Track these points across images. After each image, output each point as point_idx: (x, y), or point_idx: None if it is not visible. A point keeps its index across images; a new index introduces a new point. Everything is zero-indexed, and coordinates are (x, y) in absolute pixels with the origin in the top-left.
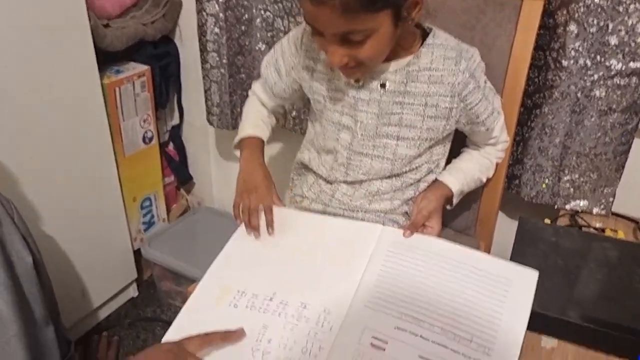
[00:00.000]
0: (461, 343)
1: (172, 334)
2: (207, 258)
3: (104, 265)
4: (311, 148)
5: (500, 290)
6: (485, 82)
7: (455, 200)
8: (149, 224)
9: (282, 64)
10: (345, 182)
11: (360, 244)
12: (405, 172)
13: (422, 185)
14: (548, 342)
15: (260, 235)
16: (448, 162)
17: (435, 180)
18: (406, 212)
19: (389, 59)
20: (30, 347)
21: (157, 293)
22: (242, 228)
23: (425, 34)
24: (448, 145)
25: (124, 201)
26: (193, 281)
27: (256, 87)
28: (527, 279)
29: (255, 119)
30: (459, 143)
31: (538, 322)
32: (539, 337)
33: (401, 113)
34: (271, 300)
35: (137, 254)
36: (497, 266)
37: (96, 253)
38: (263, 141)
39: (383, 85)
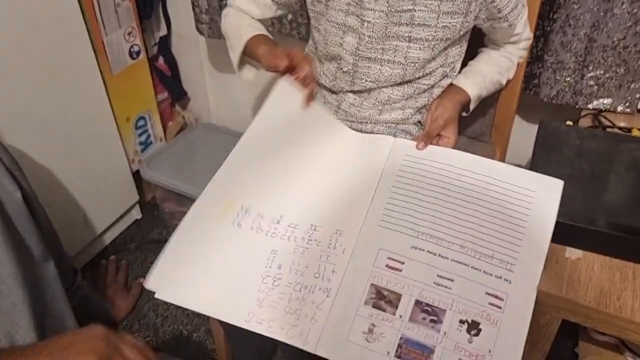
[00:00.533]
0: (482, 260)
1: (170, 251)
2: (209, 177)
3: (104, 190)
4: (315, 54)
5: (523, 202)
6: None
7: (472, 106)
8: (146, 144)
9: None
10: (351, 91)
11: (371, 159)
12: (418, 78)
13: (437, 92)
14: (573, 253)
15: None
16: (464, 64)
17: (451, 85)
18: (419, 122)
19: None
20: (29, 285)
21: (160, 214)
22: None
23: None
24: (465, 46)
25: (116, 122)
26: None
27: (234, 1)
28: (551, 189)
29: (246, 25)
30: (476, 43)
31: (563, 233)
32: (563, 248)
33: (413, 10)
34: (278, 223)
35: (137, 175)
36: (520, 177)
37: (94, 178)
38: (267, 36)
39: None
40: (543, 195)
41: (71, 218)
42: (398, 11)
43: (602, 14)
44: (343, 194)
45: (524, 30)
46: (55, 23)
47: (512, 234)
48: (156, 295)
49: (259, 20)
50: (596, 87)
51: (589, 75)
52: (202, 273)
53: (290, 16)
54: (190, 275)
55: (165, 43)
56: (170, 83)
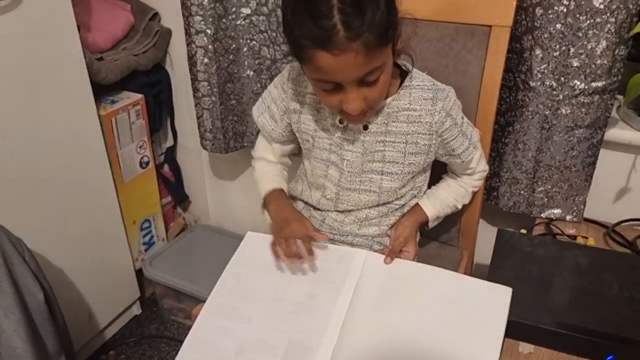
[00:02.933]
0: None
1: None
2: (206, 275)
3: (109, 287)
4: (304, 180)
5: (476, 308)
6: (462, 119)
7: (431, 224)
8: (149, 244)
9: (275, 109)
10: (335, 210)
11: (347, 270)
12: (391, 201)
13: (406, 209)
14: (525, 348)
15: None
16: (431, 181)
17: (415, 205)
18: (389, 236)
19: None
20: None
21: (159, 310)
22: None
23: (403, 74)
24: (429, 172)
25: (124, 225)
26: (193, 298)
27: (255, 152)
28: (501, 295)
29: (269, 176)
30: (440, 169)
31: (515, 330)
32: (516, 343)
33: (384, 150)
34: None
35: (139, 273)
36: (473, 286)
37: (100, 276)
38: (284, 190)
39: (366, 127)
40: (494, 301)
41: (78, 314)
42: (372, 152)
43: (544, 140)
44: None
45: (478, 165)
46: (78, 138)
47: (467, 336)
48: None
49: (279, 161)
50: (546, 199)
51: (539, 189)
52: None
53: None
54: None
55: (171, 153)
56: (173, 188)
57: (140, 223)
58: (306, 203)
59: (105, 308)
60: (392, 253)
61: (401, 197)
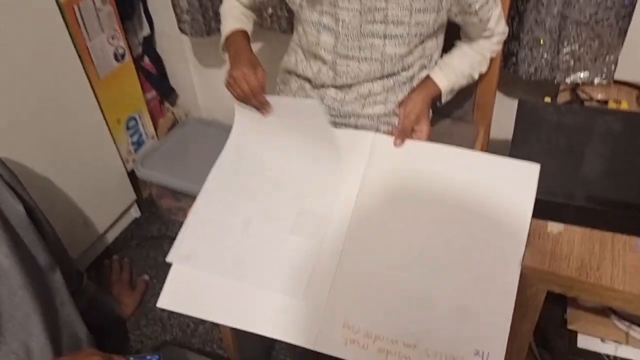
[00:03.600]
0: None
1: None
2: (202, 171)
3: (101, 192)
4: (298, 50)
5: (501, 190)
6: None
7: (444, 99)
8: (139, 144)
9: None
10: (333, 86)
11: (352, 157)
12: (397, 72)
13: (416, 83)
14: (555, 227)
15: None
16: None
17: (425, 78)
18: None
19: None
20: (39, 295)
21: (158, 211)
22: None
23: None
24: (441, 38)
25: (107, 125)
26: (191, 196)
27: None
28: (528, 173)
29: (235, 14)
30: (453, 34)
31: (543, 209)
32: (545, 223)
33: (386, 8)
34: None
35: (133, 175)
36: (496, 164)
37: (91, 181)
38: (247, 33)
39: None
40: (520, 181)
41: (71, 222)
42: (371, 10)
43: None
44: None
45: (497, 26)
46: (38, 32)
47: (492, 223)
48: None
49: (247, 5)
50: (572, 61)
51: (565, 50)
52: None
53: (270, 10)
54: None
55: (149, 42)
56: (157, 81)
57: (125, 121)
58: (300, 76)
59: (100, 213)
60: (402, 133)
61: (408, 67)
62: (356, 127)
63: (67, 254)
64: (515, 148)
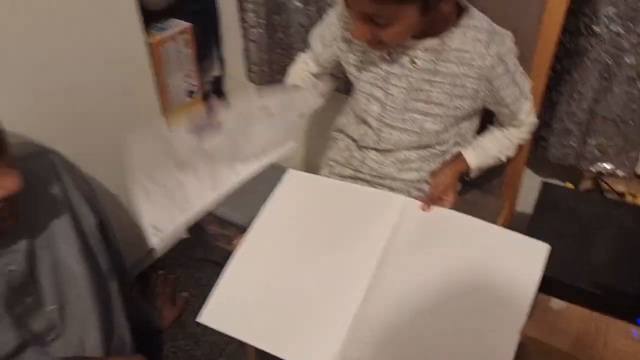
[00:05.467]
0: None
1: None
2: (247, 202)
3: None
4: (350, 112)
5: (511, 264)
6: (516, 66)
7: (472, 175)
8: None
9: (326, 34)
10: (375, 149)
11: (383, 213)
12: (433, 145)
13: (448, 157)
14: (557, 304)
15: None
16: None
17: (458, 154)
18: (429, 182)
19: (421, 36)
20: (98, 299)
21: (204, 235)
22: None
23: (461, 12)
24: (476, 121)
25: None
26: (236, 226)
27: (304, 55)
28: (538, 252)
29: (300, 74)
30: (487, 118)
31: (549, 286)
32: (549, 298)
33: (430, 90)
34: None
35: None
36: (510, 239)
37: None
38: None
39: (414, 62)
40: (530, 257)
41: (129, 235)
42: (417, 90)
43: (602, 91)
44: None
45: (527, 117)
46: (126, 66)
47: (500, 291)
48: (211, 325)
49: (315, 72)
50: (597, 152)
51: (591, 142)
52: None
53: None
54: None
55: (218, 82)
56: None
57: None
58: (349, 136)
59: None
60: (430, 200)
61: (443, 142)
62: (391, 188)
63: (124, 265)
64: (533, 226)
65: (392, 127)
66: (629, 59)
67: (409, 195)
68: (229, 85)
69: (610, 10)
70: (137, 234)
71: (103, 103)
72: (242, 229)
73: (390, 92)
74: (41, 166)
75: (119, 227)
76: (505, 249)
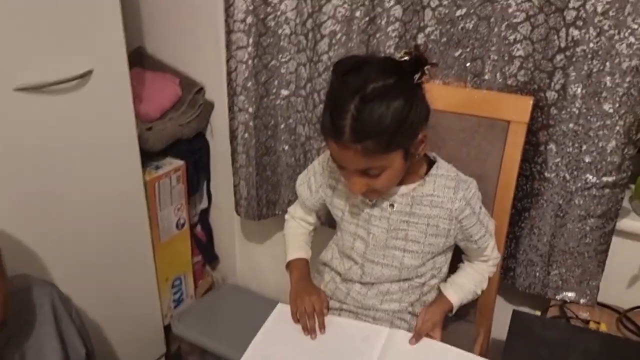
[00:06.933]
0: None
1: None
2: (230, 334)
3: (138, 341)
4: (335, 248)
5: None
6: (481, 208)
7: (454, 310)
8: (178, 301)
9: (313, 182)
10: (359, 282)
11: (368, 345)
12: (412, 278)
13: (426, 289)
14: None
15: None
16: (451, 266)
17: (439, 294)
18: (410, 313)
19: (399, 183)
20: None
21: None
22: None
23: (430, 163)
24: (449, 255)
25: (157, 282)
26: (217, 356)
27: (292, 209)
28: None
29: (298, 242)
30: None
31: None
32: None
33: (407, 230)
34: None
35: (167, 328)
36: None
37: (131, 330)
38: (307, 261)
39: (392, 206)
40: None
41: None
42: (396, 229)
43: (558, 227)
44: None
45: (492, 253)
46: (123, 201)
47: None
48: None
49: (312, 223)
50: (560, 282)
51: (554, 272)
52: None
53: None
54: None
55: (205, 214)
56: (205, 248)
57: (172, 280)
58: (333, 270)
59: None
60: (419, 335)
61: (421, 275)
62: (374, 319)
63: None
64: (507, 352)
65: (374, 262)
66: (577, 200)
67: (392, 324)
68: (215, 217)
69: (558, 160)
70: None
71: (99, 236)
72: None
73: (372, 231)
74: (39, 297)
75: (99, 355)
76: None
